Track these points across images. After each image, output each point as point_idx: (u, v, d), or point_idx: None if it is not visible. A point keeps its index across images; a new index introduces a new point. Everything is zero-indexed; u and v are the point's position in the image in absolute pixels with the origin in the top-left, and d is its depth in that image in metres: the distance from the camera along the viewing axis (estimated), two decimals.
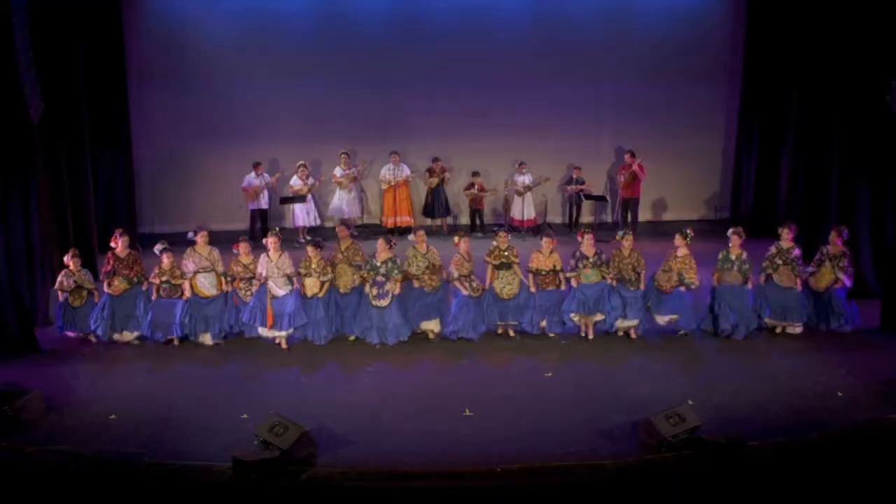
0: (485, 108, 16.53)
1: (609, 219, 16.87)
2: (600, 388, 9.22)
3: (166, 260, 10.48)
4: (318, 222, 15.86)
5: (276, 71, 15.99)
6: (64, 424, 8.28)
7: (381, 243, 10.45)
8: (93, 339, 10.59)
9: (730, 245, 10.67)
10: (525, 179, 16.10)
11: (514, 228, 16.00)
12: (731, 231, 10.86)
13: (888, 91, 11.19)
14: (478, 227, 16.36)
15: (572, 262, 10.67)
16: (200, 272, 10.58)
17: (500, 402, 8.80)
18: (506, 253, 10.66)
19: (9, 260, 10.17)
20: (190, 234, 10.86)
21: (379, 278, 10.37)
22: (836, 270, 10.54)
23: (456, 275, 10.52)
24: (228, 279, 10.66)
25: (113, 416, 8.45)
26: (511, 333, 10.76)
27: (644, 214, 16.85)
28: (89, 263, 13.16)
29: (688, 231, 10.71)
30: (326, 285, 10.49)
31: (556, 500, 7.13)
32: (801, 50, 13.83)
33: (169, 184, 16.19)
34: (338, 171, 15.85)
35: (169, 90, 15.89)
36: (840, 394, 8.96)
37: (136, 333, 10.62)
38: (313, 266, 10.50)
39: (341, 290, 10.59)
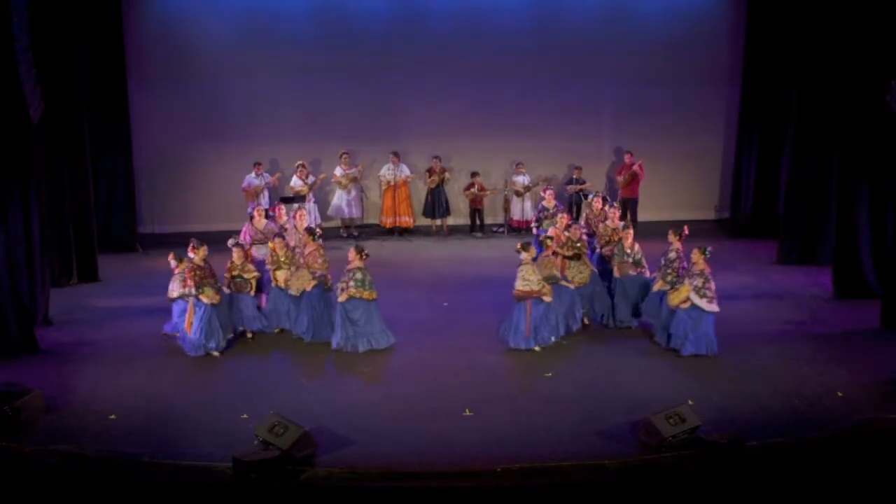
0: (485, 108, 16.55)
1: None
2: (600, 388, 9.22)
3: (237, 254, 10.65)
4: (319, 221, 15.84)
5: (276, 71, 16.02)
6: (64, 424, 8.28)
7: (352, 253, 10.23)
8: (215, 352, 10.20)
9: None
10: (524, 180, 16.10)
11: (514, 229, 16.01)
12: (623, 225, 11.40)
13: (888, 91, 11.19)
14: (478, 227, 16.36)
15: (536, 214, 12.48)
16: (255, 244, 11.49)
17: (500, 402, 8.80)
18: (578, 244, 10.96)
19: (9, 260, 10.15)
20: (249, 210, 11.44)
21: (341, 284, 10.12)
22: (691, 292, 9.89)
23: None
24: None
25: (113, 416, 8.46)
26: (585, 321, 10.99)
27: (643, 214, 16.84)
28: (90, 263, 13.24)
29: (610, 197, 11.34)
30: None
31: (556, 500, 7.14)
32: (801, 50, 13.81)
33: (169, 184, 16.22)
34: (338, 171, 15.86)
35: (169, 90, 15.91)
36: (840, 394, 8.96)
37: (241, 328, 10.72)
38: (281, 259, 10.70)
39: (293, 293, 10.54)
